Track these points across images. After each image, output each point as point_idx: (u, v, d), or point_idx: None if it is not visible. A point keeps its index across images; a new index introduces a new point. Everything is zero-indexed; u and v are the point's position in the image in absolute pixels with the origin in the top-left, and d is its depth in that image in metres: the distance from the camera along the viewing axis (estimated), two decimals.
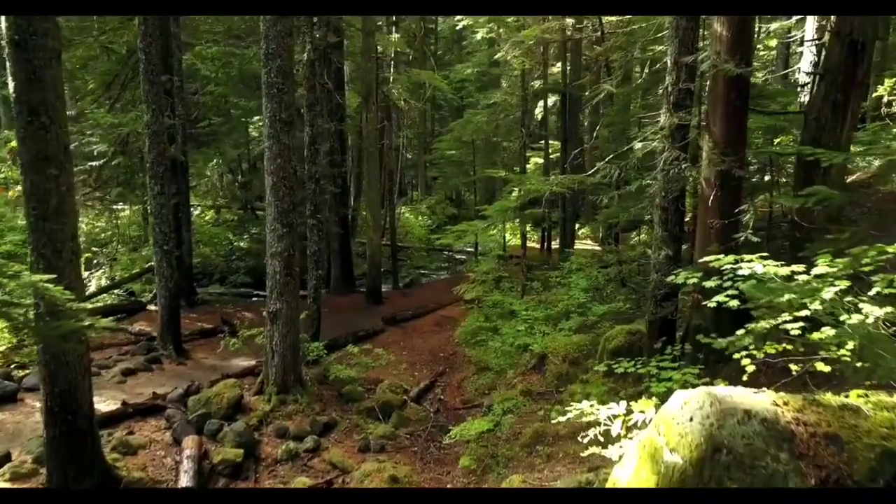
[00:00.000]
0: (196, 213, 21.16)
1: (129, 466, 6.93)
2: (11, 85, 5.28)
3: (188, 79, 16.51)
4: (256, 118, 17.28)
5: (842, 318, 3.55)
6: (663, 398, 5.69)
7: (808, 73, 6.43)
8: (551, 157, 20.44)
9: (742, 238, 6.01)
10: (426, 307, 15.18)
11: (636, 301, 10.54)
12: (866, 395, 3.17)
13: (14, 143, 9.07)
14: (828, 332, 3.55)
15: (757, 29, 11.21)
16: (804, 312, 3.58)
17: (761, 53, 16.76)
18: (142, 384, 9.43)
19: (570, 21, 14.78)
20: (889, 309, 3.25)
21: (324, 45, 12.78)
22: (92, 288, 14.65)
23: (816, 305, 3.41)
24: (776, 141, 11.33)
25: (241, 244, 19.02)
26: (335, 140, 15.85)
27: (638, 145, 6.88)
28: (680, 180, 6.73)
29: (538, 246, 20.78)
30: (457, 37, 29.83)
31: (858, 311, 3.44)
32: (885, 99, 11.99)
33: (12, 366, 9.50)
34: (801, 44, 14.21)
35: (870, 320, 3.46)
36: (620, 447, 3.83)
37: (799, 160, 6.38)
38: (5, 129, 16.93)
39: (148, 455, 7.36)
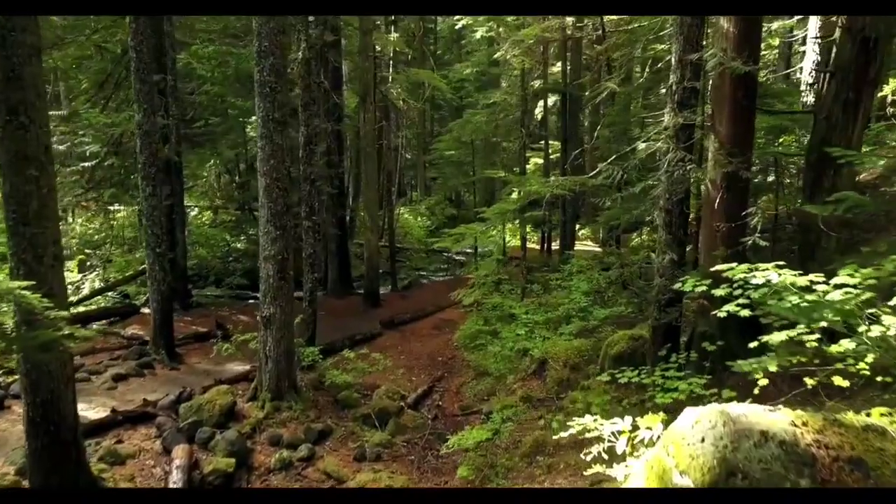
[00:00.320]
0: (193, 213, 20.97)
1: (117, 477, 6.72)
2: None
3: (184, 78, 16.31)
4: (254, 118, 17.03)
5: (861, 330, 3.35)
6: (669, 410, 5.48)
7: (818, 71, 6.21)
8: (551, 157, 20.24)
9: (749, 242, 5.79)
10: (425, 310, 14.98)
11: (638, 305, 10.33)
12: (890, 415, 2.97)
13: None
14: (846, 344, 3.35)
15: None
16: (822, 323, 3.38)
17: (762, 53, 16.55)
18: (133, 390, 9.21)
19: (570, 20, 14.58)
20: None
21: (320, 44, 12.57)
22: (85, 290, 14.44)
23: (834, 317, 3.21)
24: (779, 142, 11.12)
25: (238, 245, 18.80)
26: (332, 140, 15.64)
27: (641, 146, 6.67)
28: (684, 182, 6.52)
29: (538, 247, 20.58)
30: (456, 36, 29.61)
31: (879, 322, 3.24)
32: (890, 98, 11.78)
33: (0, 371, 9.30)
34: (804, 43, 14.03)
35: (891, 332, 3.26)
36: (626, 466, 3.62)
37: (808, 161, 6.17)
38: None
39: (136, 465, 7.15)
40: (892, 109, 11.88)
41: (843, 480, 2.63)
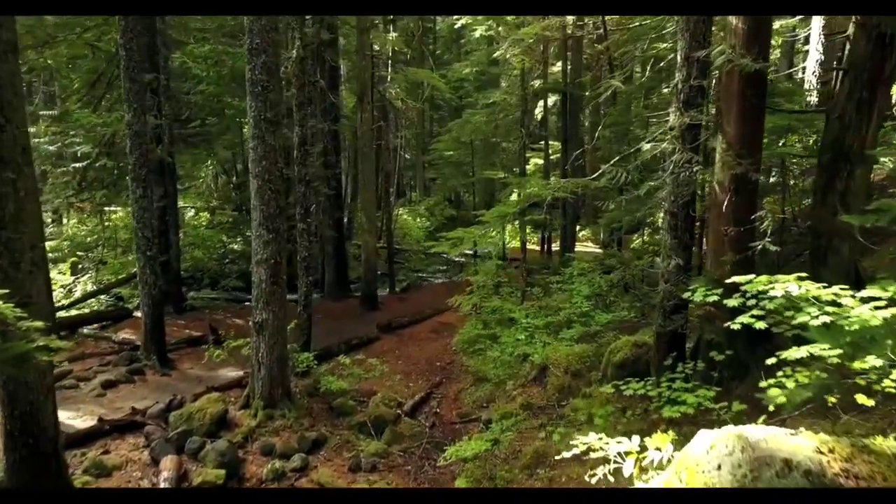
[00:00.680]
0: (190, 214, 20.73)
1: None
2: None
3: (180, 78, 16.07)
4: None
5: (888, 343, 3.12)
6: (676, 423, 5.25)
7: (833, 69, 5.97)
8: (551, 157, 20.02)
9: (759, 247, 5.55)
10: (423, 313, 14.74)
11: (641, 309, 10.09)
12: None
13: None
14: (872, 360, 3.11)
15: None
16: (847, 338, 3.15)
17: None
18: (122, 397, 8.97)
19: (570, 18, 14.36)
20: None
21: (316, 43, 12.34)
22: (77, 293, 14.19)
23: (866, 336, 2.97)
24: (780, 142, 10.88)
25: (235, 247, 18.55)
26: (329, 141, 15.40)
27: (646, 146, 6.43)
28: (691, 184, 6.28)
29: (538, 248, 20.36)
30: (455, 35, 29.38)
31: None
32: None
33: None
34: (806, 42, 13.80)
35: None
36: None
37: (820, 162, 5.93)
38: None
39: (123, 477, 6.91)
40: None
41: None
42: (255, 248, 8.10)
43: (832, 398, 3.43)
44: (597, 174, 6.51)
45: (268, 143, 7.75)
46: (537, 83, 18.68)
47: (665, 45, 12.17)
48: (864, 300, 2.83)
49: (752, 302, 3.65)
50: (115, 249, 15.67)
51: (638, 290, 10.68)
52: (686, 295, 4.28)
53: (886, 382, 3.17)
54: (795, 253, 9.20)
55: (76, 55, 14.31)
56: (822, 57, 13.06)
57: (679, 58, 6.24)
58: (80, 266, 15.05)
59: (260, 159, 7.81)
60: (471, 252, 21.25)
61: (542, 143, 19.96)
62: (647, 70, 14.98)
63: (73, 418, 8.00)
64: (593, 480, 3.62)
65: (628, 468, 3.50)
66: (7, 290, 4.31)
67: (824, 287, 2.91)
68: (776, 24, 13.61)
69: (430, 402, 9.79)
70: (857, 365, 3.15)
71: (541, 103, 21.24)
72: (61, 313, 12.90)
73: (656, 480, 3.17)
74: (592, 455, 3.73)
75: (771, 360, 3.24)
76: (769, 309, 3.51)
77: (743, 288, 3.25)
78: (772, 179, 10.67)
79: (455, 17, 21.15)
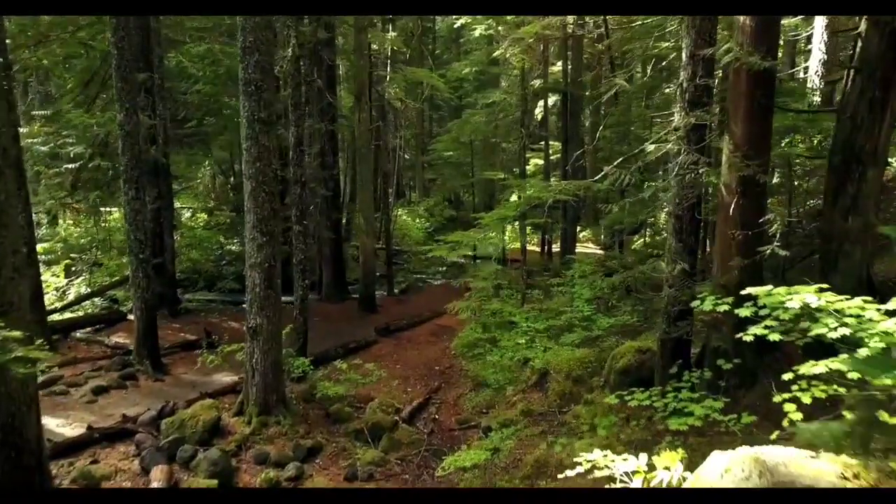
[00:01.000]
0: (187, 215, 20.54)
1: None
2: None
3: (176, 77, 15.88)
4: None
5: None
6: (683, 434, 5.06)
7: (846, 68, 5.78)
8: (552, 158, 19.83)
9: (768, 251, 5.36)
10: (422, 315, 14.55)
11: (643, 313, 9.90)
12: None
13: None
14: None
15: None
16: (865, 351, 2.96)
17: None
18: (114, 403, 8.78)
19: (571, 17, 14.17)
20: None
21: (313, 42, 12.15)
22: (71, 296, 13.99)
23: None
24: (783, 143, 10.69)
25: (232, 248, 18.34)
26: (326, 141, 15.20)
27: (650, 147, 6.24)
28: (696, 186, 6.09)
29: (538, 249, 20.16)
30: (455, 35, 29.17)
31: None
32: None
33: None
34: (808, 41, 13.61)
35: None
36: None
37: (831, 164, 5.74)
38: None
39: (112, 487, 6.71)
40: None
41: None
42: (248, 251, 7.91)
43: (849, 414, 3.25)
44: (599, 176, 6.32)
45: (262, 144, 7.56)
46: (537, 83, 18.50)
47: (667, 43, 11.99)
48: (890, 313, 2.64)
49: (764, 311, 3.47)
50: (109, 251, 15.45)
51: (640, 293, 10.49)
52: (695, 304, 4.08)
53: None
54: (801, 256, 9.00)
55: (70, 54, 14.12)
56: (825, 56, 12.88)
57: (684, 56, 6.06)
58: (73, 268, 14.84)
59: (254, 160, 7.61)
60: (471, 252, 21.06)
61: (543, 143, 19.78)
62: (647, 69, 14.80)
63: (62, 426, 7.81)
64: None
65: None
66: None
67: (847, 299, 2.71)
68: None
69: (429, 407, 9.59)
70: (880, 381, 2.97)
71: (541, 103, 21.07)
72: (55, 316, 12.70)
73: None
74: (597, 473, 3.54)
75: (788, 376, 3.05)
76: (783, 319, 3.32)
77: (760, 299, 3.05)
78: (775, 180, 10.47)
79: (454, 16, 20.96)
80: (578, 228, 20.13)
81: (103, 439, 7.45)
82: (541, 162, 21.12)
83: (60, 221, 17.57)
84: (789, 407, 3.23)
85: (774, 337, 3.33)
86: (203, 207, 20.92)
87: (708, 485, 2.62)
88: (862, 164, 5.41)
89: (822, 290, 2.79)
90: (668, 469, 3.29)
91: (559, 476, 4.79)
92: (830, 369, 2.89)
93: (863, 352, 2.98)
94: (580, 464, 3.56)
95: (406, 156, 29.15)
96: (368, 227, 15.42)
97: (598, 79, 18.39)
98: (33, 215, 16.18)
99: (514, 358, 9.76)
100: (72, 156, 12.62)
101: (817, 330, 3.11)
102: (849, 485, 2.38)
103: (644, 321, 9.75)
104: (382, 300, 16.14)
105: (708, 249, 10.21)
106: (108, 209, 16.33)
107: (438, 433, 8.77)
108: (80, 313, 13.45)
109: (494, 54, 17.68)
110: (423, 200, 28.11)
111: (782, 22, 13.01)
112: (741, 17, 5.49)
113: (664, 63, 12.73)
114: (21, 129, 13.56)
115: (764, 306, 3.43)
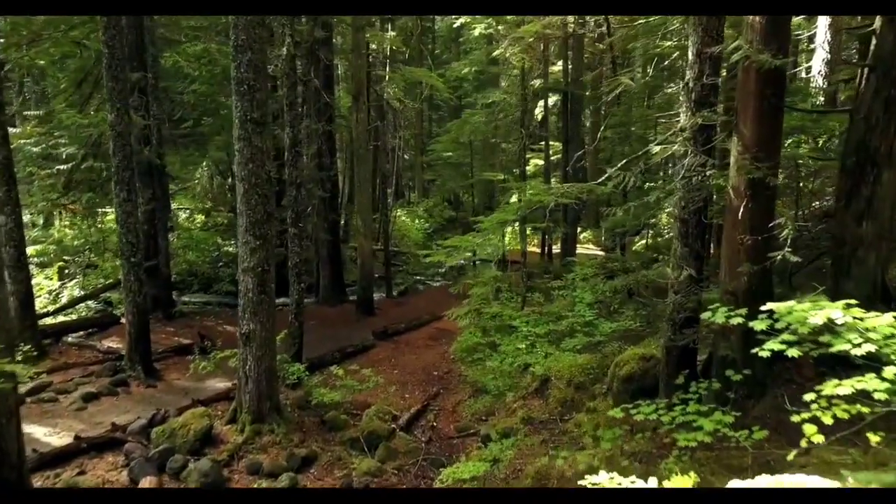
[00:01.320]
0: (184, 216, 20.32)
1: None
2: None
3: (173, 77, 15.67)
4: None
5: None
6: (690, 451, 4.84)
7: (860, 65, 5.57)
8: (552, 158, 19.62)
9: (778, 257, 5.14)
10: (420, 318, 14.34)
11: (646, 317, 9.69)
12: None
13: None
14: None
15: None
16: (893, 370, 2.75)
17: None
18: (104, 411, 8.56)
19: (571, 16, 13.96)
20: None
21: (311, 41, 11.94)
22: (64, 299, 13.77)
23: None
24: (787, 143, 10.46)
25: (230, 249, 18.12)
26: (324, 142, 14.98)
27: (656, 149, 6.03)
28: (703, 189, 5.88)
29: (538, 250, 19.94)
30: (454, 34, 28.96)
31: None
32: None
33: None
34: (811, 41, 13.39)
35: None
36: None
37: (843, 166, 5.52)
38: None
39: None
40: None
41: None
42: (241, 255, 7.70)
43: (875, 437, 3.04)
44: (603, 178, 6.10)
45: (254, 145, 7.35)
46: (537, 82, 18.29)
47: (669, 42, 11.78)
48: None
49: (780, 324, 3.26)
50: (103, 254, 15.22)
51: (643, 297, 10.28)
52: (706, 316, 3.86)
53: None
54: (808, 259, 8.79)
55: (65, 53, 13.91)
56: (829, 55, 12.66)
57: (690, 54, 5.85)
58: (67, 271, 14.62)
59: (246, 162, 7.40)
60: (470, 253, 20.84)
61: (543, 143, 19.56)
62: (649, 69, 14.58)
63: (49, 435, 7.60)
64: None
65: None
66: None
67: (877, 316, 2.50)
68: None
69: (427, 414, 9.38)
70: None
71: (541, 103, 20.84)
72: (47, 320, 12.49)
73: None
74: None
75: (809, 396, 2.83)
76: (800, 333, 3.12)
77: (781, 316, 2.84)
78: (779, 182, 10.25)
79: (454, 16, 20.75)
80: (579, 229, 19.92)
81: (91, 449, 7.25)
82: (541, 162, 20.91)
83: (57, 223, 17.36)
84: (809, 429, 3.02)
85: (793, 353, 3.12)
86: (201, 208, 20.70)
87: None
88: (877, 167, 5.19)
89: (849, 307, 2.57)
90: None
91: (558, 468, 4.60)
92: (856, 389, 2.68)
93: (890, 370, 2.79)
94: (584, 485, 3.34)
95: (405, 156, 28.95)
96: (366, 229, 15.21)
97: (599, 78, 18.18)
98: (27, 217, 16.02)
99: (514, 363, 9.54)
100: (64, 157, 12.40)
101: (839, 346, 2.91)
102: None
103: (647, 325, 9.54)
104: (381, 302, 15.94)
105: (711, 252, 10.00)
106: (103, 210, 16.12)
107: (437, 441, 8.56)
108: (74, 316, 13.24)
109: (494, 54, 17.49)
110: (423, 201, 27.91)
111: None
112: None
113: (666, 62, 12.53)
114: (14, 130, 13.36)
115: (779, 318, 3.22)
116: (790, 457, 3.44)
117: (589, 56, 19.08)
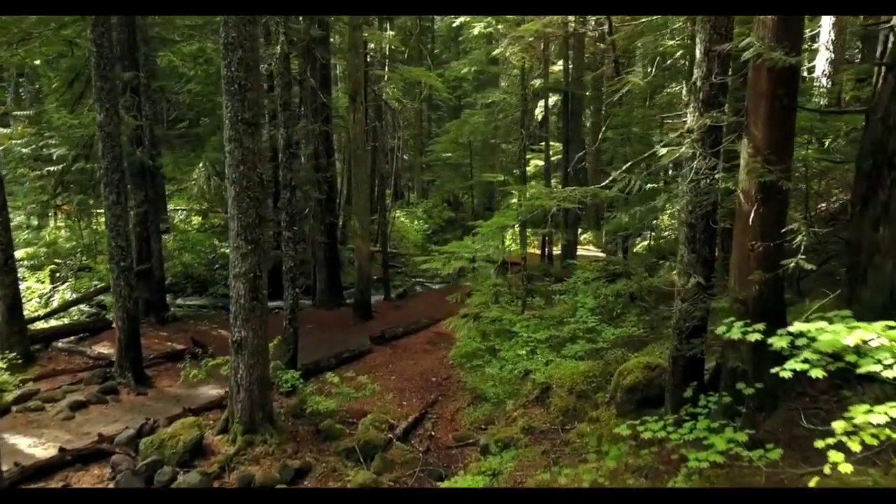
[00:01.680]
0: (181, 217, 20.08)
1: None
2: None
3: (168, 77, 15.43)
4: None
5: None
6: (700, 473, 4.60)
7: (877, 65, 5.32)
8: (552, 158, 19.38)
9: (791, 264, 4.90)
10: (419, 322, 14.09)
11: (650, 323, 9.45)
12: None
13: None
14: None
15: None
16: None
17: None
18: (92, 420, 8.31)
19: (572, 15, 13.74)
20: None
21: (307, 40, 11.70)
22: (56, 303, 13.53)
23: None
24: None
25: (226, 251, 17.87)
26: (320, 142, 14.74)
27: (662, 151, 5.79)
28: (711, 193, 5.64)
29: (538, 252, 19.70)
30: (454, 34, 28.72)
31: None
32: None
33: None
34: (814, 40, 13.16)
35: None
36: None
37: (859, 169, 5.29)
38: None
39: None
40: None
41: None
42: (232, 260, 7.46)
43: None
44: (607, 181, 5.87)
45: (246, 147, 7.11)
46: (538, 82, 18.05)
47: (672, 41, 11.55)
48: None
49: (802, 341, 3.02)
50: (95, 256, 14.97)
51: (646, 301, 10.04)
52: (720, 331, 3.62)
53: None
54: (816, 264, 8.56)
55: (59, 53, 13.67)
56: (833, 55, 12.43)
57: (698, 52, 5.62)
58: (58, 274, 14.37)
59: (237, 164, 7.16)
60: (468, 256, 20.55)
61: (543, 144, 19.33)
62: (650, 69, 14.34)
63: (33, 446, 7.36)
64: None
65: None
66: None
67: None
68: None
69: (425, 423, 9.14)
70: None
71: (541, 103, 20.61)
72: (38, 324, 12.25)
73: None
74: None
75: (839, 425, 2.59)
76: (823, 352, 2.88)
77: (811, 339, 2.60)
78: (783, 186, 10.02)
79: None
80: (580, 231, 19.69)
81: (76, 461, 7.01)
82: (541, 163, 20.69)
83: (51, 223, 17.12)
84: (835, 456, 2.79)
85: (817, 373, 2.88)
86: (197, 209, 20.45)
87: None
88: (894, 169, 4.95)
89: (889, 328, 2.33)
90: None
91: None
92: (891, 418, 2.45)
93: None
94: None
95: (404, 157, 28.71)
96: (364, 231, 14.97)
97: (600, 78, 17.95)
98: (20, 218, 15.78)
99: (514, 370, 9.30)
100: (55, 157, 12.16)
101: (867, 367, 2.67)
102: None
103: (651, 331, 9.30)
104: (378, 306, 15.70)
105: (716, 256, 9.76)
106: (97, 211, 15.88)
107: (434, 451, 8.31)
108: (66, 321, 12.99)
109: (494, 53, 17.23)
110: (422, 202, 27.67)
111: None
112: None
113: (668, 62, 12.29)
114: (4, 130, 13.12)
115: (801, 335, 2.99)
116: (812, 483, 3.21)
117: (590, 55, 18.87)
